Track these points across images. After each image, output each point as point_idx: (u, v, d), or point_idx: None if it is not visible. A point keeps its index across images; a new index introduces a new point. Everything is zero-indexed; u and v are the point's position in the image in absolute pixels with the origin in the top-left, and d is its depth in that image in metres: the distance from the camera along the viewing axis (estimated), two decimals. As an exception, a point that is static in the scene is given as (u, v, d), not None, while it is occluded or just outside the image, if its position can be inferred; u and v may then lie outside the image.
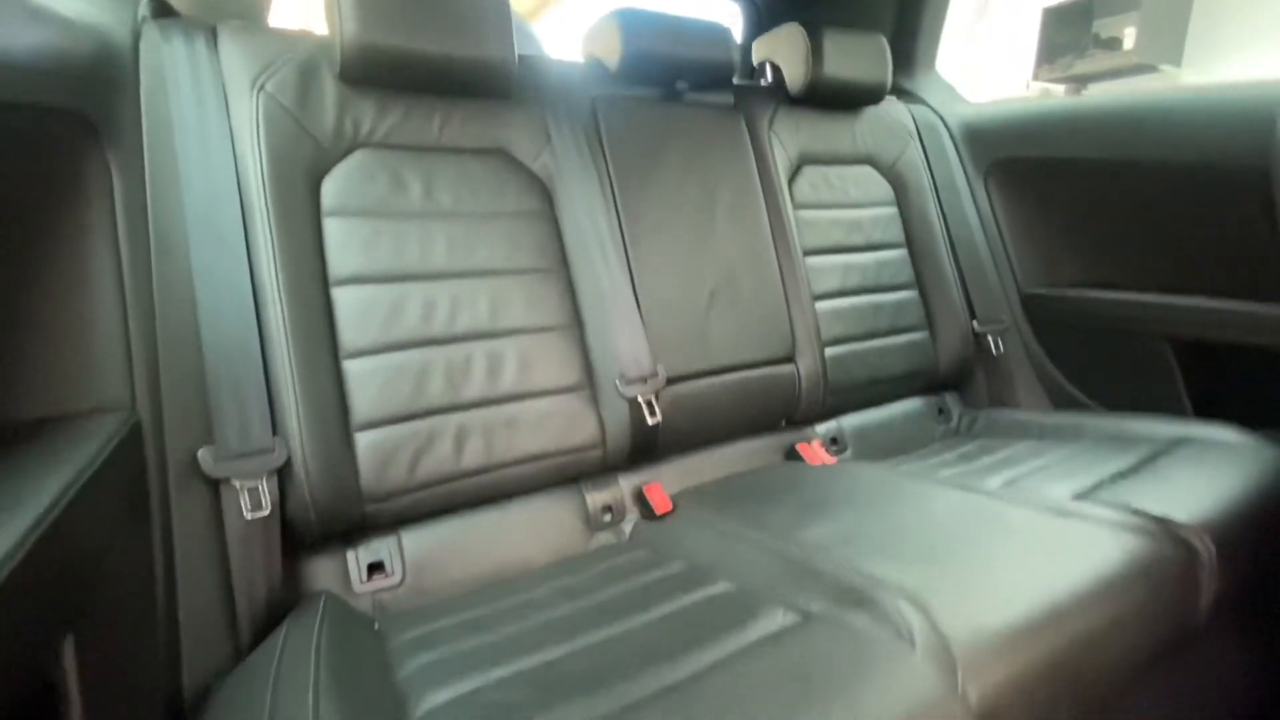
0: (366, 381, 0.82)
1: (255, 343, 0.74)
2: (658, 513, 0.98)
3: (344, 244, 0.84)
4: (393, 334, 0.85)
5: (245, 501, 0.69)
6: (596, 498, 1.00)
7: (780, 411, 1.18)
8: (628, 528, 1.00)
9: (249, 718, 0.52)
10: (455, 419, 0.87)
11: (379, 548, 0.84)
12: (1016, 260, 1.43)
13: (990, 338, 1.39)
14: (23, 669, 0.38)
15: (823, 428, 1.26)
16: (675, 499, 1.01)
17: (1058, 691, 0.59)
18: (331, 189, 0.85)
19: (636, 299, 1.02)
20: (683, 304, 1.07)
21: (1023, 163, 1.39)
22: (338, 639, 0.65)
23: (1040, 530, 0.76)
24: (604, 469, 1.00)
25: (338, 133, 0.86)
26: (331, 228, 0.84)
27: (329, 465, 0.77)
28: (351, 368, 0.82)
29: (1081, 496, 0.85)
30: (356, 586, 0.81)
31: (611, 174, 1.07)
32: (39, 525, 0.39)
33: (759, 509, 0.91)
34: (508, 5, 0.95)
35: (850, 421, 1.29)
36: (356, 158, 0.87)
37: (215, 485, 0.70)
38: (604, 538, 0.98)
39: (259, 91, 0.80)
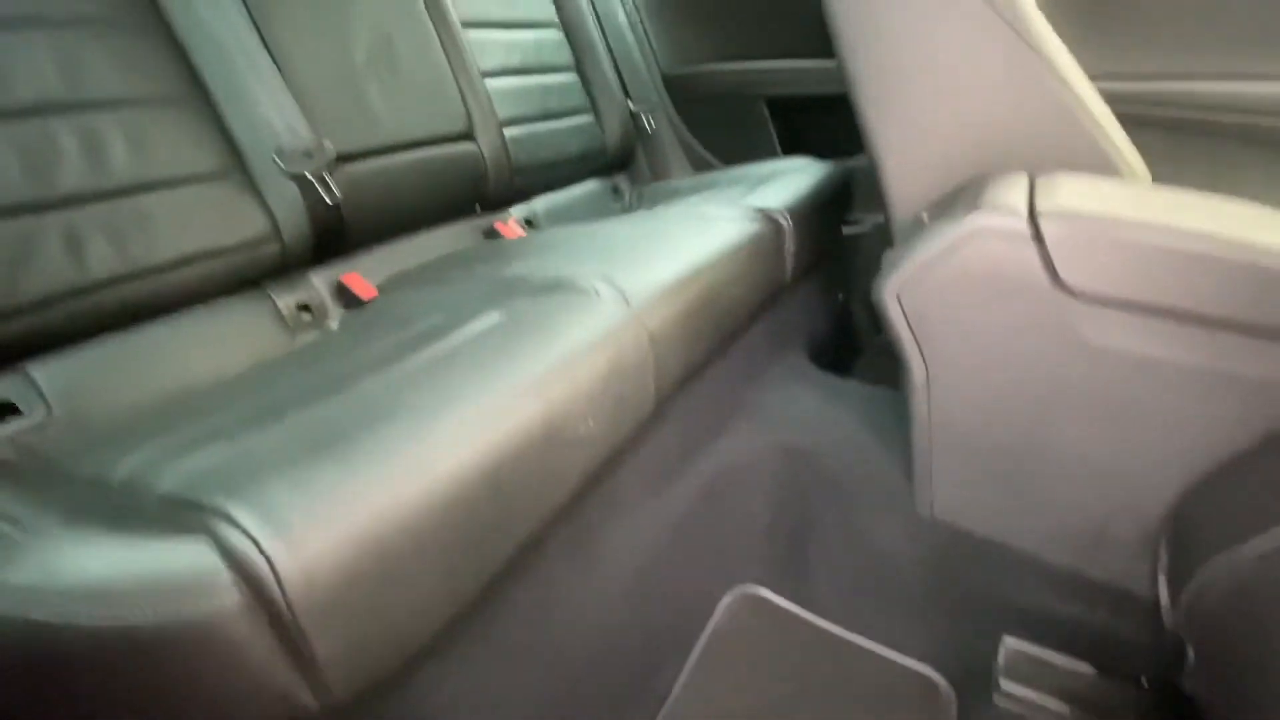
0: (-122, 171, 0.59)
1: None
2: (363, 299, 0.95)
3: None
4: (-100, 105, 0.61)
5: None
6: (288, 298, 0.92)
7: (471, 194, 1.20)
8: (334, 323, 0.95)
9: None
10: (57, 219, 0.69)
11: (-3, 386, 0.67)
12: (655, 43, 1.59)
13: (644, 117, 1.57)
14: None
15: (517, 210, 1.32)
16: (380, 286, 0.99)
17: (702, 320, 0.79)
18: None
19: (274, 61, 0.88)
20: (334, 68, 0.96)
21: (648, -58, 1.50)
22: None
23: (689, 229, 0.95)
24: (288, 265, 0.91)
25: None
26: None
27: None
28: None
29: (716, 208, 1.09)
30: (-23, 434, 0.64)
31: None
32: None
33: (466, 269, 0.95)
34: None
35: (540, 204, 1.37)
36: None
37: None
38: (308, 337, 0.93)
39: None
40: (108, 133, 0.74)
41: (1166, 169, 0.84)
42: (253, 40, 0.87)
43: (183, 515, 0.38)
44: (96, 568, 0.33)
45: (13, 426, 0.67)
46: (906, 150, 0.78)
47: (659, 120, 1.62)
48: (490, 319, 0.70)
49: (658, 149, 1.64)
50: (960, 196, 0.65)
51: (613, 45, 1.55)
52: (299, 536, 0.36)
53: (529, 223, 1.34)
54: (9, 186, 0.67)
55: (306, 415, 0.50)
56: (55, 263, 0.69)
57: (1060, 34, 1.07)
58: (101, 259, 0.72)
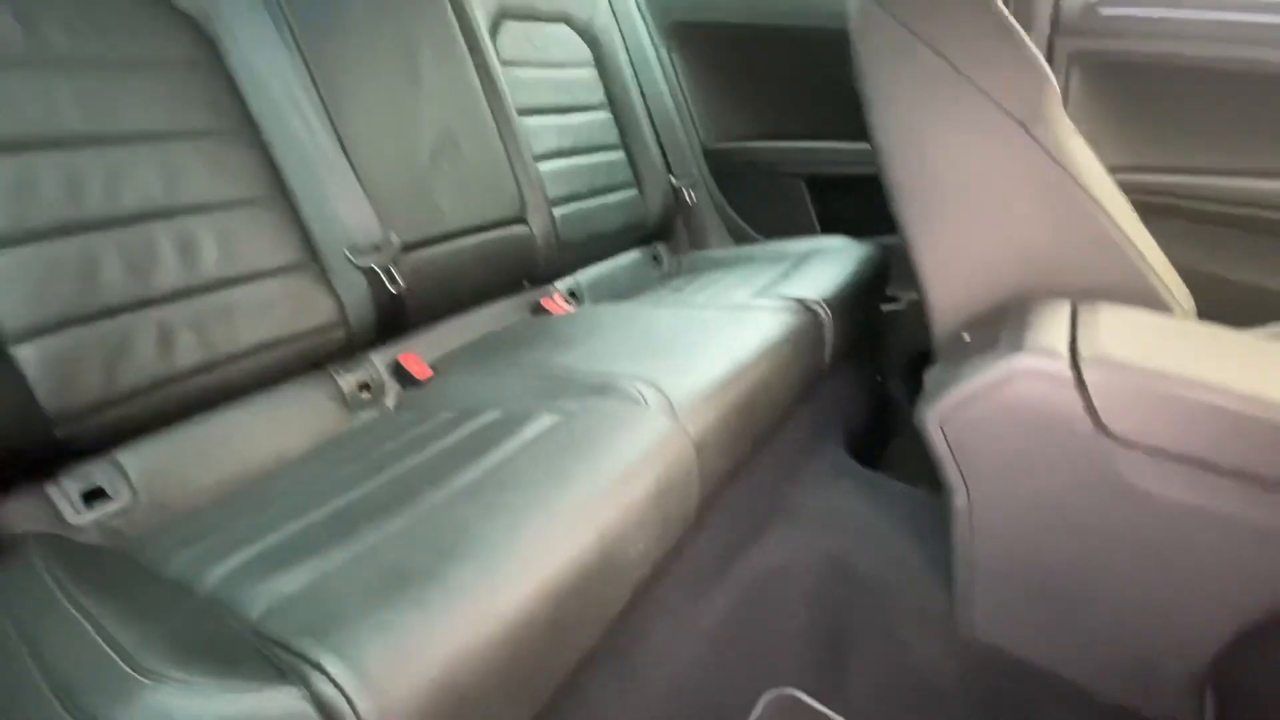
0: (7, 281, 0.66)
1: None
2: (419, 379, 1.00)
3: (-94, 100, 0.62)
4: (29, 219, 0.68)
5: None
6: (349, 378, 0.97)
7: (521, 271, 1.25)
8: (390, 400, 1.00)
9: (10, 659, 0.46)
10: (151, 315, 0.75)
11: (90, 473, 0.72)
12: (698, 118, 1.66)
13: (684, 190, 1.63)
14: None
15: (561, 284, 1.37)
16: (434, 364, 1.04)
17: (743, 419, 0.82)
18: None
19: (349, 161, 0.95)
20: (403, 164, 1.03)
21: (696, 27, 1.58)
22: (71, 568, 0.58)
23: (729, 322, 0.98)
24: (351, 348, 0.97)
25: None
26: (-125, 76, 0.61)
27: (-16, 388, 0.62)
28: (-24, 265, 0.65)
29: (755, 296, 1.12)
30: (73, 518, 0.69)
31: (288, 15, 0.94)
32: None
33: (516, 353, 0.99)
34: None
35: (584, 276, 1.42)
36: (-115, -29, 0.62)
37: None
38: (367, 415, 0.97)
39: None
40: (200, 234, 0.80)
41: (1181, 254, 0.92)
42: (331, 142, 0.94)
43: (277, 656, 0.41)
44: (204, 716, 0.36)
45: (101, 511, 0.72)
46: (948, 264, 0.80)
47: (699, 192, 1.67)
48: (542, 423, 0.73)
49: (697, 219, 1.69)
50: (1003, 325, 0.67)
51: (656, 120, 1.61)
52: (383, 687, 0.39)
53: (573, 294, 1.39)
54: (113, 288, 0.73)
55: (380, 537, 0.54)
56: (148, 356, 0.75)
57: (1088, 129, 1.14)
58: (188, 350, 0.78)
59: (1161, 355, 0.56)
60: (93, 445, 0.73)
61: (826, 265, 1.24)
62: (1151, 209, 1.15)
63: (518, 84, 1.27)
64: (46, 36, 0.72)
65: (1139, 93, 1.19)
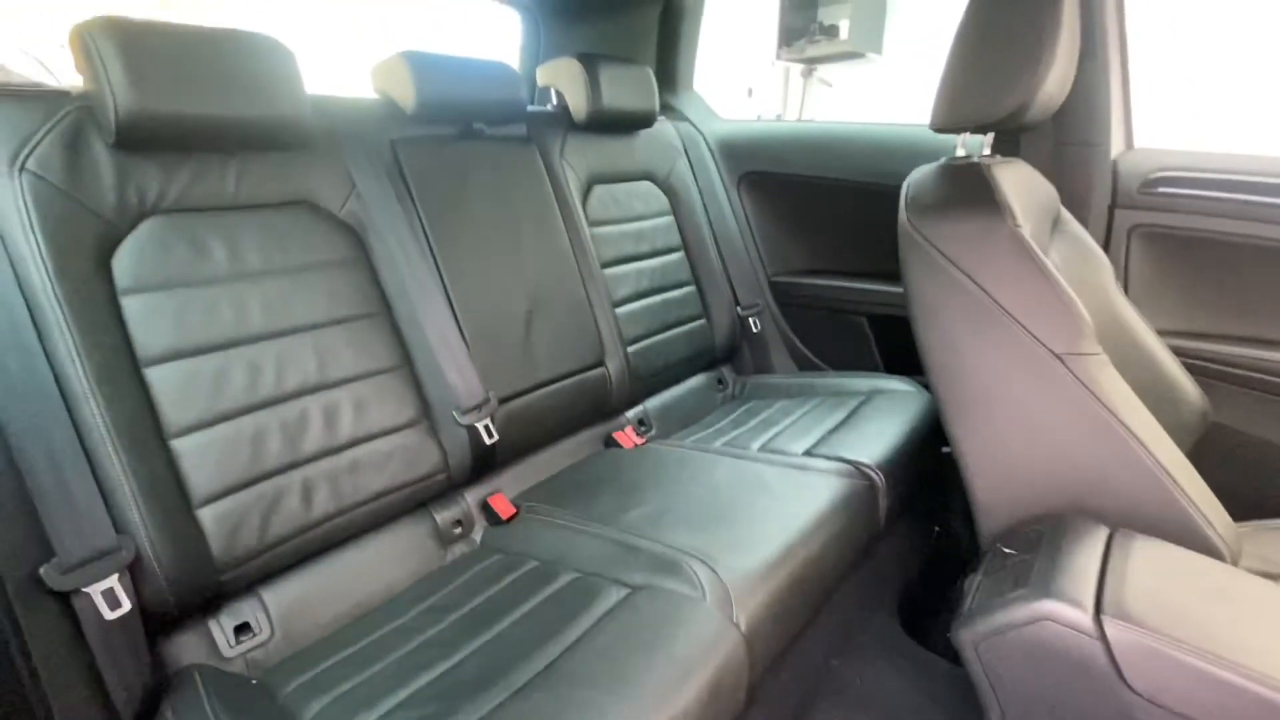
0: (200, 457, 0.83)
1: (75, 443, 0.72)
2: (503, 518, 1.13)
3: (149, 322, 0.82)
4: (220, 405, 0.86)
5: (102, 604, 0.70)
6: (445, 515, 1.11)
7: (597, 409, 1.38)
8: (478, 536, 1.13)
9: None
10: (299, 474, 0.92)
11: (241, 609, 0.88)
12: (764, 254, 1.78)
13: (750, 319, 1.74)
14: None
15: (631, 413, 1.49)
16: (516, 502, 1.17)
17: (795, 598, 0.89)
18: (125, 265, 0.81)
19: (461, 331, 1.12)
20: (505, 328, 1.20)
21: (765, 175, 1.72)
22: (228, 704, 0.72)
23: (784, 483, 1.07)
24: (449, 488, 1.11)
25: (121, 204, 0.82)
26: (132, 306, 0.81)
27: (178, 548, 0.78)
28: (181, 446, 0.82)
29: (809, 452, 1.19)
30: (226, 651, 0.85)
31: (420, 213, 1.14)
32: None
33: (588, 500, 1.11)
34: (293, 56, 0.95)
35: (652, 404, 1.54)
36: (147, 228, 0.84)
37: (65, 596, 0.69)
38: (458, 549, 1.11)
39: (20, 172, 0.74)
40: (341, 402, 0.97)
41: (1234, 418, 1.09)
42: (448, 317, 1.11)
43: None
44: None
45: (247, 644, 0.87)
46: (990, 469, 0.86)
47: (764, 319, 1.78)
48: (610, 598, 0.84)
49: (761, 344, 1.78)
50: (1038, 551, 0.72)
51: (724, 252, 1.74)
52: None
53: (641, 422, 1.50)
54: (273, 454, 0.90)
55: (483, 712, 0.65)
56: (293, 509, 0.91)
57: (1147, 294, 1.20)
58: (323, 501, 0.94)
59: (1186, 612, 0.60)
60: (244, 586, 0.88)
61: (885, 417, 1.30)
62: (1207, 373, 1.17)
63: (602, 240, 1.44)
64: (244, 258, 0.92)
65: (1195, 263, 1.22)
